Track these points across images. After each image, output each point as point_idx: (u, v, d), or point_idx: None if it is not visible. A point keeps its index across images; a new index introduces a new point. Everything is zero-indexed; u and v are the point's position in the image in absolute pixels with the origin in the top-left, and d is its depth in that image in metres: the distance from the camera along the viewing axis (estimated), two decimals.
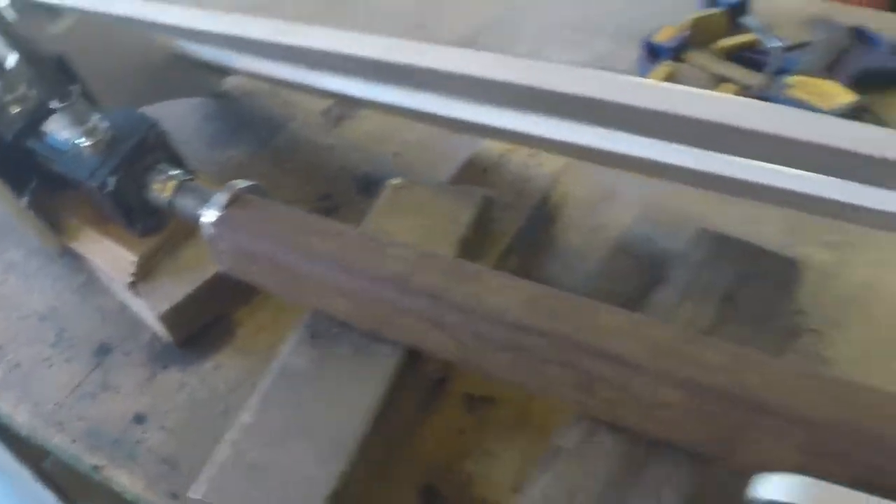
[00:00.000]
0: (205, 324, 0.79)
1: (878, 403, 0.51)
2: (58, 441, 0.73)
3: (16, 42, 0.82)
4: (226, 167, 0.92)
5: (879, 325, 0.72)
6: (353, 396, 0.62)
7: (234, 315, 0.80)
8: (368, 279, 0.62)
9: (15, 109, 0.82)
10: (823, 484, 0.45)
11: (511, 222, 0.77)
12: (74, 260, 0.87)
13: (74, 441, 0.72)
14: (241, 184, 0.71)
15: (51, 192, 0.86)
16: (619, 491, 0.55)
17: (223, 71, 1.01)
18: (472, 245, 0.72)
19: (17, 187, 0.83)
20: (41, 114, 0.82)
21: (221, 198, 0.70)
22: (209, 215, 0.69)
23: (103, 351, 0.80)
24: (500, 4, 1.20)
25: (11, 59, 0.80)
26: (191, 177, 0.76)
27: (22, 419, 0.75)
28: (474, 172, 0.82)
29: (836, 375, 0.54)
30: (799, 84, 0.89)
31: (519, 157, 0.83)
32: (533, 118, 0.72)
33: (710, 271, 0.67)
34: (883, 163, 0.50)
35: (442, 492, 0.64)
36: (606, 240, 0.80)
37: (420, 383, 0.70)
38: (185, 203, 0.74)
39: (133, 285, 0.78)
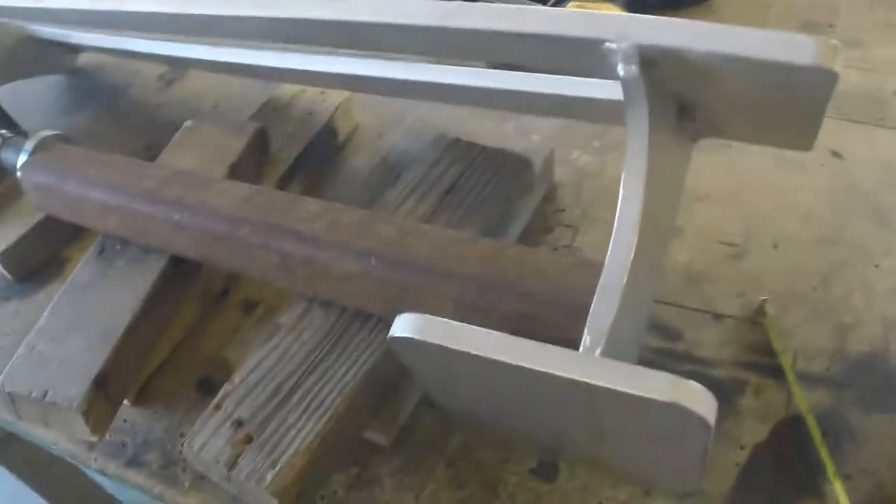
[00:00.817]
0: (40, 261, 0.89)
1: (524, 261, 0.60)
2: None
3: None
4: (74, 131, 1.01)
5: None
6: (123, 297, 0.72)
7: (64, 252, 0.89)
8: (127, 196, 0.72)
9: None
10: (438, 320, 0.52)
11: (289, 151, 0.87)
12: None
13: None
14: (46, 132, 0.82)
15: None
16: (323, 355, 0.64)
17: (73, 49, 1.11)
18: (246, 170, 0.82)
19: None
20: None
21: (28, 145, 0.80)
22: (20, 161, 0.80)
23: None
24: None
25: None
26: (14, 134, 0.86)
27: None
28: (269, 112, 0.92)
29: (496, 242, 0.63)
30: (578, 7, 0.98)
31: (309, 95, 0.93)
32: (300, 56, 0.82)
33: (437, 169, 0.76)
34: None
35: (217, 380, 0.74)
36: (384, 158, 0.89)
37: (203, 292, 0.80)
38: (8, 156, 0.84)
39: None
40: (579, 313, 0.52)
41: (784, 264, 0.74)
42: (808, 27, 1.04)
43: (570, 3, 1.00)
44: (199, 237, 0.68)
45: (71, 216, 0.79)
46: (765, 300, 0.70)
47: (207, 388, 0.74)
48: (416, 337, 0.51)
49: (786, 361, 0.67)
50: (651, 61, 0.50)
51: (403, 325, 0.52)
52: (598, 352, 0.50)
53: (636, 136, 0.54)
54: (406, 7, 0.58)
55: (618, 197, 0.61)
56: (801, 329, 0.70)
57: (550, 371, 0.47)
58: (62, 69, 1.14)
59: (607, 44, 0.51)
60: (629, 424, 0.51)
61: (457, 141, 0.78)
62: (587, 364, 0.47)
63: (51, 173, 0.78)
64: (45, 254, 0.90)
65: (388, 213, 0.71)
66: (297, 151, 0.87)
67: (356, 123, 0.95)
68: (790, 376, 0.66)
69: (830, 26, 1.04)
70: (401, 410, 0.68)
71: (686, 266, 0.75)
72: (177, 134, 0.86)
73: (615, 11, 0.99)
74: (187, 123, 0.87)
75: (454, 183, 0.75)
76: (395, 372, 0.62)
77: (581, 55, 0.54)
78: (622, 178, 0.54)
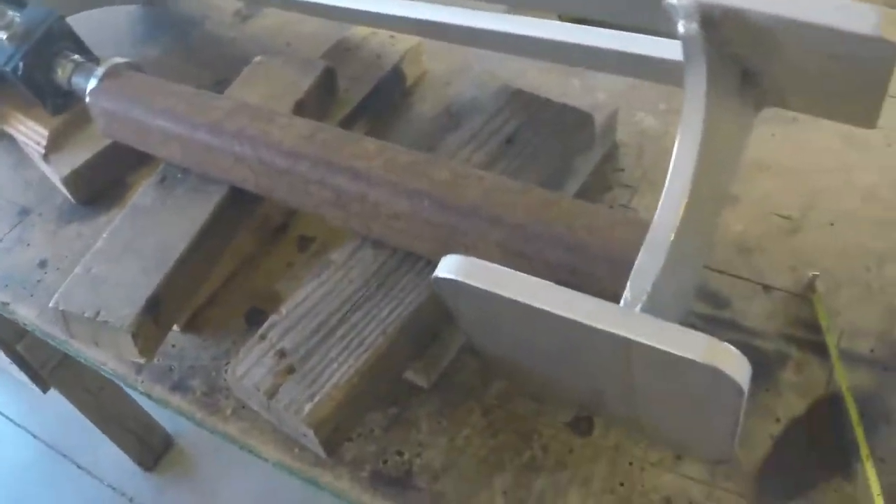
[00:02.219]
0: (104, 186, 0.92)
1: (573, 213, 0.60)
2: None
3: None
4: (145, 63, 1.03)
5: None
6: (180, 225, 0.74)
7: (128, 178, 0.91)
8: (191, 125, 0.74)
9: None
10: (482, 263, 0.53)
11: (356, 92, 0.87)
12: (10, 142, 0.99)
13: None
14: (118, 60, 0.83)
15: None
16: (370, 294, 0.66)
17: None
18: (312, 108, 0.83)
19: None
20: None
21: (99, 71, 0.82)
22: (90, 86, 0.82)
23: (23, 213, 0.93)
24: None
25: None
26: (86, 60, 0.88)
27: None
28: (339, 52, 0.93)
29: (548, 192, 0.63)
30: None
31: (379, 38, 0.93)
32: (383, 1, 0.83)
33: (499, 118, 0.76)
34: None
35: (266, 313, 0.75)
36: (448, 108, 0.90)
37: (260, 226, 0.81)
38: (79, 81, 0.86)
39: (45, 156, 0.91)
40: (623, 269, 0.52)
41: (839, 242, 0.73)
42: None
43: None
44: (258, 169, 0.70)
45: (135, 143, 0.81)
46: (815, 276, 0.69)
47: (256, 319, 0.76)
48: (459, 279, 0.52)
49: (830, 339, 0.66)
50: (712, 21, 0.50)
51: (448, 267, 0.53)
52: (638, 307, 0.50)
53: (694, 97, 0.54)
54: None
55: None
56: (850, 308, 0.69)
57: (587, 322, 0.47)
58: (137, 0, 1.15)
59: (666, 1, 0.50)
60: (663, 385, 0.52)
61: (520, 92, 0.78)
62: (624, 318, 0.47)
63: (118, 100, 0.80)
64: (109, 179, 0.92)
65: (410, 150, 0.71)
66: (363, 93, 0.87)
67: (424, 70, 0.95)
68: (834, 354, 0.65)
69: None
70: (443, 355, 0.68)
71: (740, 235, 0.74)
72: (246, 68, 0.87)
73: None
74: (257, 59, 0.88)
75: (514, 133, 0.75)
76: (440, 316, 0.63)
77: (645, 10, 0.54)
78: (677, 136, 0.54)
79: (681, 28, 0.51)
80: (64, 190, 0.91)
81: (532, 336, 0.55)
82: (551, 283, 0.50)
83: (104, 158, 0.90)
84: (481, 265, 0.52)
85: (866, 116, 0.54)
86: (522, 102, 0.78)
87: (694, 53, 0.52)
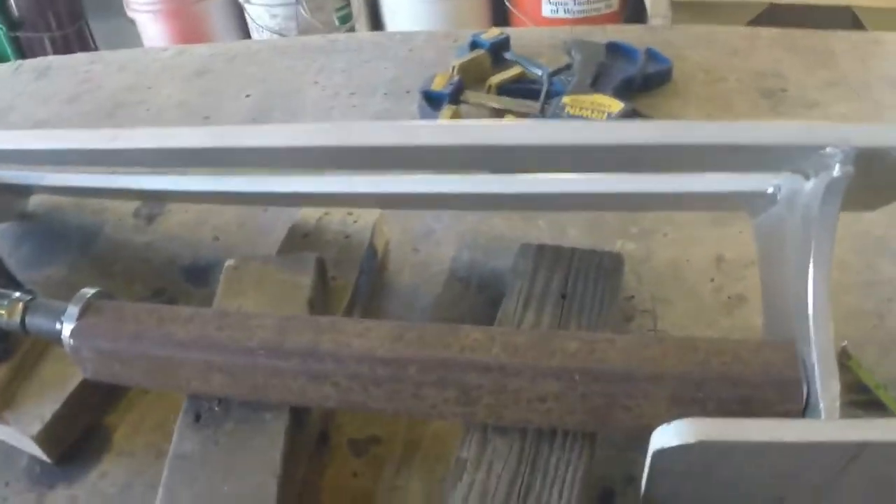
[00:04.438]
0: (79, 436, 0.80)
1: (717, 350, 0.61)
2: None
3: None
4: (48, 285, 0.93)
5: (696, 293, 0.84)
6: (253, 465, 0.66)
7: (105, 421, 0.81)
8: (242, 352, 0.67)
9: None
10: (707, 420, 0.53)
11: (346, 277, 0.83)
12: None
13: None
14: (89, 291, 0.74)
15: None
16: (527, 483, 0.62)
17: (25, 192, 1.02)
18: (319, 304, 0.77)
19: None
20: None
21: (73, 310, 0.72)
22: (66, 329, 0.72)
23: None
24: (273, 83, 1.27)
25: None
26: (32, 296, 0.78)
27: None
28: (297, 240, 0.87)
29: (675, 338, 0.64)
30: (573, 102, 1.00)
31: (336, 217, 0.89)
32: (337, 178, 0.80)
33: (541, 278, 0.75)
34: (661, 149, 0.60)
35: None
36: (434, 273, 0.87)
37: (305, 441, 0.74)
38: (38, 322, 0.75)
39: None
40: (791, 388, 0.57)
41: (841, 310, 0.78)
42: (766, 94, 1.11)
43: (565, 98, 1.02)
44: (346, 385, 0.64)
45: (146, 382, 0.73)
46: (845, 345, 0.75)
47: None
48: (697, 440, 0.52)
49: (883, 395, 0.71)
50: (862, 160, 0.55)
51: (674, 435, 0.53)
52: (836, 415, 0.55)
53: (825, 227, 0.58)
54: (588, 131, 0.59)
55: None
56: (879, 364, 0.74)
57: (837, 439, 0.51)
58: (13, 216, 1.04)
59: (829, 148, 0.54)
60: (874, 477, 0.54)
61: (543, 247, 0.78)
62: (856, 425, 0.53)
63: (115, 338, 0.71)
64: (83, 426, 0.81)
65: (511, 327, 0.69)
66: (352, 278, 0.83)
67: (387, 240, 0.92)
68: (893, 406, 0.71)
69: (783, 91, 1.12)
70: None
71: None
72: (223, 276, 0.80)
73: (608, 99, 1.02)
74: (230, 262, 0.81)
75: (564, 289, 0.74)
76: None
77: (782, 159, 0.57)
78: (810, 263, 0.58)
79: (837, 171, 0.56)
80: (33, 450, 0.78)
81: (744, 477, 0.56)
82: (779, 420, 0.54)
83: (75, 404, 0.79)
84: (718, 422, 0.53)
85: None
86: (552, 256, 0.78)
87: (837, 190, 0.56)
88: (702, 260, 0.87)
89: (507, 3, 2.34)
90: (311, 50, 1.33)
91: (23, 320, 0.75)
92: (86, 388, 0.78)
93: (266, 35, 2.54)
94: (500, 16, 2.45)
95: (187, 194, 0.90)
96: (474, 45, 1.16)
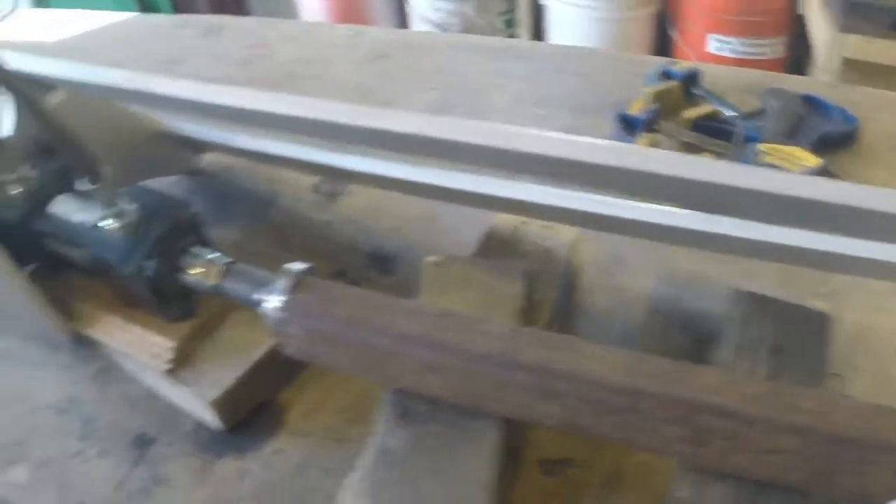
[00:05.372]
0: (250, 409, 0.79)
1: None
2: None
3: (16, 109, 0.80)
4: (221, 247, 0.92)
5: (882, 362, 0.81)
6: (462, 474, 0.64)
7: (279, 398, 0.80)
8: (468, 357, 0.65)
9: (15, 190, 0.80)
10: None
11: (546, 292, 0.81)
12: (84, 347, 0.84)
13: None
14: (299, 266, 0.72)
15: (51, 275, 0.84)
16: None
17: (200, 147, 1.01)
18: (527, 317, 0.76)
19: None
20: (45, 194, 0.81)
21: (284, 283, 0.71)
22: (273, 301, 0.70)
23: (143, 442, 0.78)
24: (454, 79, 1.25)
25: (7, 126, 0.79)
26: (231, 260, 0.77)
27: None
28: (495, 245, 0.85)
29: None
30: (770, 150, 0.98)
31: (533, 228, 0.87)
32: (540, 188, 0.78)
33: (752, 328, 0.73)
34: (864, 213, 0.56)
35: None
36: (629, 301, 0.85)
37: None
38: (237, 287, 0.74)
39: (171, 372, 0.78)
40: None
41: None
42: None
43: (762, 145, 1.00)
44: (575, 407, 0.62)
45: (353, 368, 0.72)
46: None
47: None
48: None
49: None
50: None
51: None
52: None
53: None
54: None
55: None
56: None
57: None
58: (184, 169, 1.03)
59: None
60: None
61: (753, 295, 0.76)
62: None
63: (330, 321, 0.69)
64: (257, 400, 0.80)
65: (743, 377, 0.67)
66: (554, 294, 0.81)
67: (584, 261, 0.90)
68: None
69: None
70: None
71: None
72: (425, 270, 0.79)
73: (805, 153, 0.99)
74: (433, 259, 0.79)
75: (777, 342, 0.72)
76: None
77: None
78: None
79: None
80: (201, 414, 0.78)
81: None
82: None
83: (256, 376, 0.78)
84: None
85: None
86: (761, 306, 0.75)
87: None
88: (888, 329, 0.84)
89: (670, 34, 2.31)
90: (489, 51, 1.32)
91: (220, 284, 0.74)
92: (270, 359, 0.77)
93: (426, 27, 2.52)
94: (662, 45, 2.42)
95: (368, 176, 0.88)
96: (666, 74, 1.14)
